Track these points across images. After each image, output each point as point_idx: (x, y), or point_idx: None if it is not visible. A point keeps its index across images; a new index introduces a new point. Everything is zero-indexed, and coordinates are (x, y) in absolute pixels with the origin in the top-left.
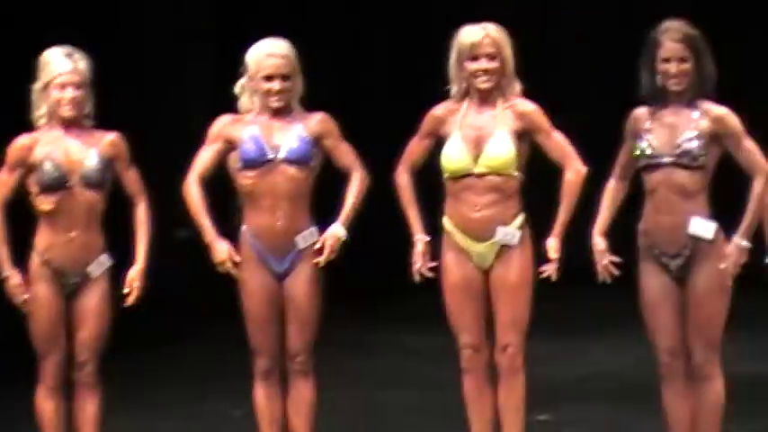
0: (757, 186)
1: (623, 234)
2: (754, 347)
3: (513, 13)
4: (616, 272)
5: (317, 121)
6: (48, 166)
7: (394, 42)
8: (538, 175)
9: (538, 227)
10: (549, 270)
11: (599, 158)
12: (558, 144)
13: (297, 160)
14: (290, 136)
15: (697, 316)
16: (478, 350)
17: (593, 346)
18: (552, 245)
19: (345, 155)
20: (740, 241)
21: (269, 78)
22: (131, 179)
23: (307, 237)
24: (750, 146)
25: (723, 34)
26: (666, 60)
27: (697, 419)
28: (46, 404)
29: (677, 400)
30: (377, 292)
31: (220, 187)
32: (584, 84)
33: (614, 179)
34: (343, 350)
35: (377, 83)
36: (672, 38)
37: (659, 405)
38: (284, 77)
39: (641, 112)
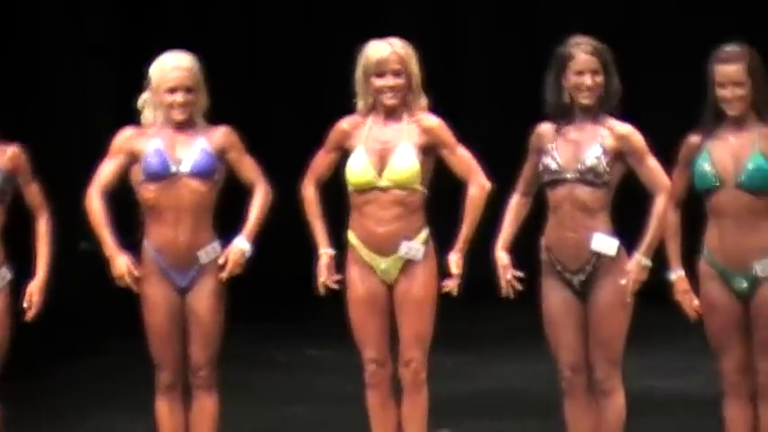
0: (659, 204)
1: (526, 249)
2: (655, 363)
3: (418, 27)
4: (519, 286)
5: (221, 134)
6: None
7: (299, 56)
8: (442, 190)
9: (442, 242)
10: (451, 285)
11: (503, 174)
12: (463, 159)
13: (200, 174)
14: (194, 149)
15: (599, 331)
16: (382, 365)
17: (496, 360)
18: (454, 260)
19: (249, 169)
20: (641, 258)
21: (172, 91)
22: (33, 192)
23: (209, 251)
24: (653, 164)
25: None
26: (580, 73)
27: None
28: None
29: (579, 415)
30: (282, 306)
31: (123, 201)
32: (487, 99)
33: (518, 194)
34: (248, 365)
35: (281, 97)
36: (584, 50)
37: (561, 420)
38: (187, 90)
39: (546, 127)
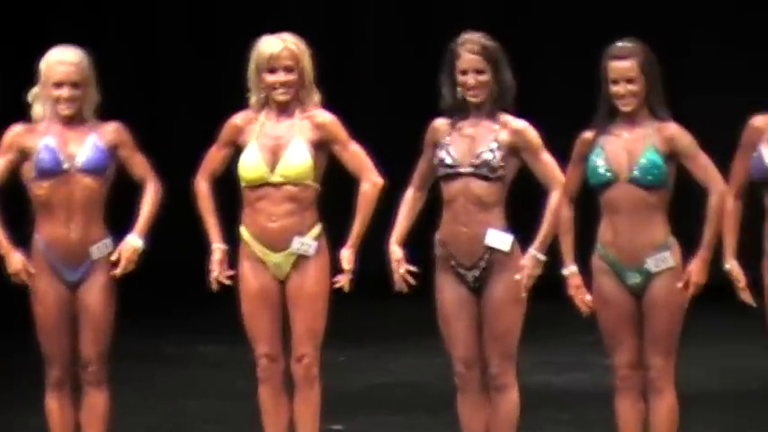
0: (553, 199)
1: (421, 244)
2: (549, 358)
3: (310, 23)
4: (413, 281)
5: (112, 130)
6: None
7: (194, 52)
8: (335, 186)
9: (335, 237)
10: (343, 281)
11: (395, 169)
12: (355, 155)
13: (92, 170)
14: (86, 146)
15: (493, 327)
16: (274, 360)
17: (389, 355)
18: (346, 256)
19: (140, 165)
20: (536, 253)
21: (58, 85)
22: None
23: (101, 247)
24: (547, 159)
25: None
26: (464, 72)
27: (492, 429)
28: None
29: (472, 410)
30: (174, 301)
31: (15, 197)
32: (379, 95)
33: (412, 189)
34: (140, 360)
35: (174, 92)
36: (469, 49)
37: (455, 415)
38: (74, 85)
39: (441, 122)
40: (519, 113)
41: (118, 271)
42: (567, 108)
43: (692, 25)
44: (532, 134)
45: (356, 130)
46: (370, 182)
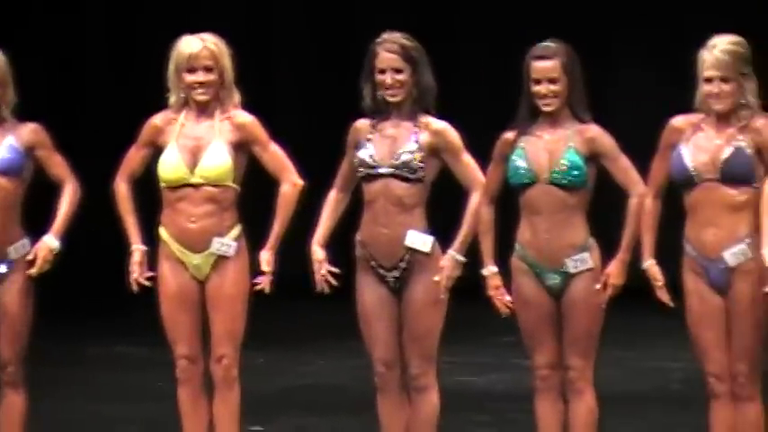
0: (473, 201)
1: (343, 245)
2: (469, 359)
3: (230, 23)
4: (334, 282)
5: (29, 131)
6: None
7: (114, 52)
8: (255, 187)
9: (255, 238)
10: (263, 282)
11: (315, 170)
12: (275, 156)
13: (8, 171)
14: (1, 147)
15: (413, 328)
16: (194, 361)
17: (310, 357)
18: (265, 257)
19: (58, 166)
20: (455, 255)
21: None
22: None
23: (19, 248)
24: (468, 160)
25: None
26: (382, 71)
27: (412, 430)
28: None
29: (392, 411)
30: (93, 302)
31: None
32: (299, 96)
33: (335, 190)
34: (59, 362)
35: (93, 93)
36: (387, 49)
37: (375, 416)
38: None
39: (362, 123)
40: (440, 114)
41: (33, 270)
42: (488, 108)
43: (614, 27)
44: (453, 135)
45: (276, 130)
46: (290, 183)
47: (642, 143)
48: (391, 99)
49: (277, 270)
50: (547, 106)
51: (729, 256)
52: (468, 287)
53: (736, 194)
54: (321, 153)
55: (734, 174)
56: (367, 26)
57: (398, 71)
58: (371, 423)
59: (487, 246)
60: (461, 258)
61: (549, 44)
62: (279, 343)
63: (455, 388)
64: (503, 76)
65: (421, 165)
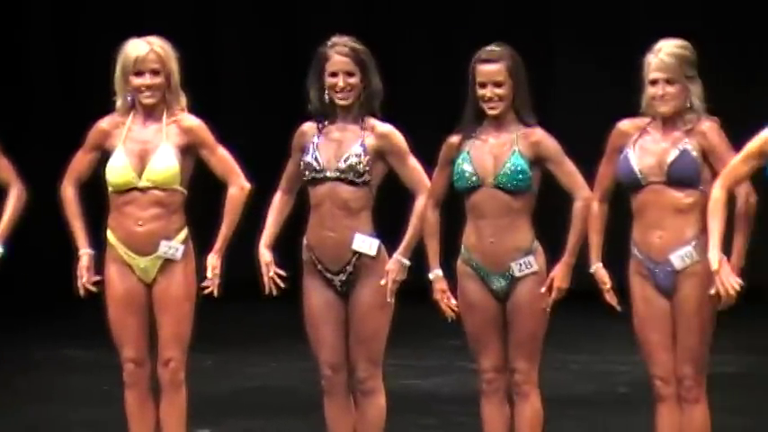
0: (419, 204)
1: (290, 247)
2: (416, 362)
3: (176, 26)
4: (282, 284)
5: None
6: None
7: (60, 55)
8: (202, 190)
9: (203, 242)
10: (211, 285)
11: (264, 172)
12: (222, 159)
13: None
14: None
15: (359, 331)
16: (141, 364)
17: (257, 359)
18: (213, 260)
19: (3, 170)
20: (401, 258)
21: None
22: None
23: None
24: (413, 164)
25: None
26: (334, 74)
27: None
28: None
29: (339, 414)
30: (40, 305)
31: None
32: (246, 99)
33: (281, 192)
34: (6, 364)
35: (39, 96)
36: (339, 51)
37: (322, 418)
38: None
39: (308, 126)
40: (385, 117)
41: None
42: (433, 112)
43: (559, 31)
44: (399, 138)
45: (223, 133)
46: (238, 186)
47: (588, 147)
48: (342, 102)
49: (225, 273)
50: (492, 110)
51: (675, 259)
52: (414, 290)
53: (683, 197)
54: (268, 156)
55: (680, 176)
56: (313, 27)
57: (350, 74)
58: (319, 425)
59: (433, 249)
60: (407, 262)
61: (495, 48)
62: (227, 345)
63: (401, 391)
64: (448, 80)
65: (367, 168)
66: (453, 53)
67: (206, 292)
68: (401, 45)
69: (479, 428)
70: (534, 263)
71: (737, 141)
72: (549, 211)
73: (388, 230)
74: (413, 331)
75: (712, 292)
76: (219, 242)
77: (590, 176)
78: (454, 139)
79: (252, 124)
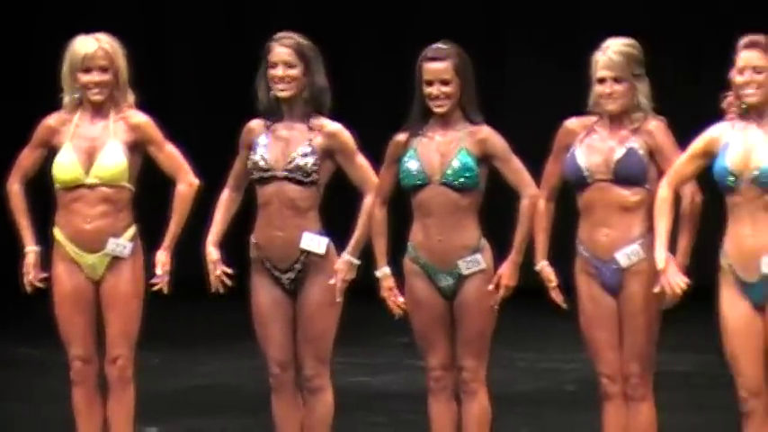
0: (366, 203)
1: (238, 245)
2: (364, 359)
3: (125, 23)
4: (229, 282)
5: None
6: None
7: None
8: (150, 187)
9: (151, 239)
10: (160, 282)
11: (212, 169)
12: (171, 156)
13: None
14: None
15: (307, 329)
16: (88, 362)
17: (205, 357)
18: (161, 258)
19: None
20: (349, 258)
21: None
22: None
23: None
24: (362, 162)
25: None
26: (274, 66)
27: (307, 430)
28: None
29: (287, 412)
30: None
31: None
32: (194, 96)
33: (228, 190)
34: None
35: None
36: (282, 44)
37: (271, 416)
38: None
39: (256, 123)
40: (334, 116)
41: None
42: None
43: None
44: (346, 137)
45: (171, 130)
46: (186, 183)
47: (538, 145)
48: (281, 94)
49: (174, 270)
50: (439, 108)
51: (621, 257)
52: (362, 288)
53: (629, 195)
54: (217, 154)
55: (626, 174)
56: (262, 23)
57: (290, 66)
58: (267, 423)
59: (380, 247)
60: (356, 261)
61: (442, 46)
62: (174, 343)
63: (350, 388)
64: (396, 78)
65: (315, 168)
66: (402, 51)
67: (155, 288)
68: (351, 44)
69: (427, 426)
70: (482, 261)
71: (684, 140)
72: (496, 208)
73: (337, 229)
74: (362, 329)
75: (657, 290)
76: (168, 239)
77: (540, 175)
78: (401, 137)
79: (200, 121)
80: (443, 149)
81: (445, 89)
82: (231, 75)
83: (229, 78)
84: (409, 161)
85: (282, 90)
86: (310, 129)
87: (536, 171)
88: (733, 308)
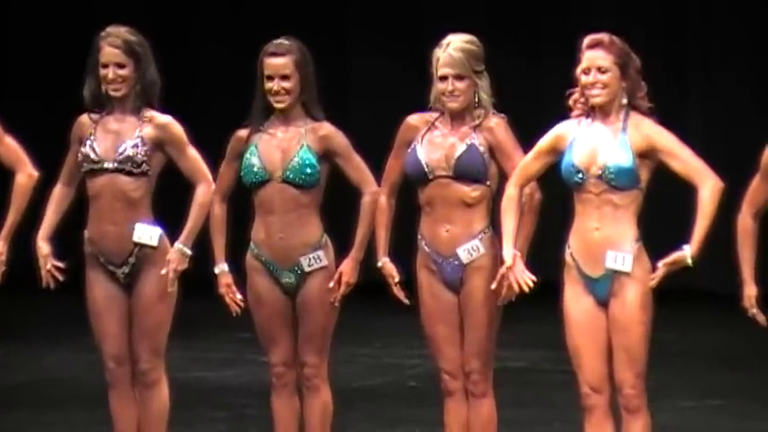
0: (199, 193)
1: (73, 239)
2: (203, 354)
3: None
4: (60, 277)
5: None
6: None
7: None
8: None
9: None
10: None
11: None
12: (10, 148)
13: None
14: None
15: (142, 322)
16: None
17: (42, 351)
18: None
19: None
20: (182, 247)
21: None
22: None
23: None
24: (193, 154)
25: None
26: (105, 66)
27: (143, 425)
28: None
29: (123, 406)
30: None
31: None
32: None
33: (60, 184)
34: None
35: None
36: (110, 43)
37: (108, 410)
38: None
39: (86, 117)
40: (167, 109)
41: None
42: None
43: (350, 26)
44: (177, 129)
45: (10, 123)
46: (26, 174)
47: (379, 141)
48: (114, 94)
49: (9, 263)
50: (279, 103)
51: (462, 252)
52: (202, 282)
53: (470, 191)
54: (50, 149)
55: (466, 171)
56: (101, 19)
57: (121, 66)
58: (105, 418)
59: (219, 244)
60: (188, 251)
61: (283, 41)
62: (9, 338)
63: (190, 383)
64: (238, 74)
65: (145, 159)
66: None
67: None
68: (190, 36)
69: (270, 421)
70: (323, 257)
71: (527, 136)
72: (337, 205)
73: (170, 220)
74: (202, 324)
75: (494, 286)
76: (5, 229)
77: (381, 171)
78: (242, 132)
79: (34, 116)
80: (285, 146)
81: (285, 84)
82: (67, 67)
83: (65, 71)
84: (251, 157)
85: (115, 90)
86: (141, 121)
87: (377, 168)
88: (576, 303)
